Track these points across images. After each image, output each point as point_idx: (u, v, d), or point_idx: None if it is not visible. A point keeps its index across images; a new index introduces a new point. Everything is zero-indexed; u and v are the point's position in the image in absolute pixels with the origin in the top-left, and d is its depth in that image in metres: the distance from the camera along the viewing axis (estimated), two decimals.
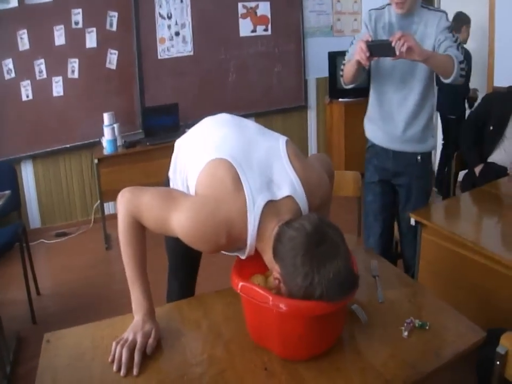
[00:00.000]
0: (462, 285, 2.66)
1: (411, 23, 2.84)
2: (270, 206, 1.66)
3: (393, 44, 2.49)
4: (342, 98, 6.28)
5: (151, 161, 5.03)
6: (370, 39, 2.64)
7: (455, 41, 2.74)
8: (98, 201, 5.30)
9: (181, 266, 2.43)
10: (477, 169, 4.01)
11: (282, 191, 1.70)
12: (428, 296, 2.00)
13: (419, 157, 3.05)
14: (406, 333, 1.69)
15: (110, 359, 1.60)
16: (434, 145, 3.15)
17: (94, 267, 4.66)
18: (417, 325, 1.73)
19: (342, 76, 3.01)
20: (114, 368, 1.56)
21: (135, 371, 1.55)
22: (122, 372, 1.54)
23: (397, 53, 2.50)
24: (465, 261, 2.63)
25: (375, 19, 2.95)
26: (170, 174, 2.11)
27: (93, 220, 5.68)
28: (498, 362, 1.70)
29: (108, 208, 5.54)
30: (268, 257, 1.65)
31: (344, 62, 3.00)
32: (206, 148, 1.83)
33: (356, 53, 2.66)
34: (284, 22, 6.22)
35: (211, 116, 2.09)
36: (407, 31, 2.71)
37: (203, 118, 2.09)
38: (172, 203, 1.68)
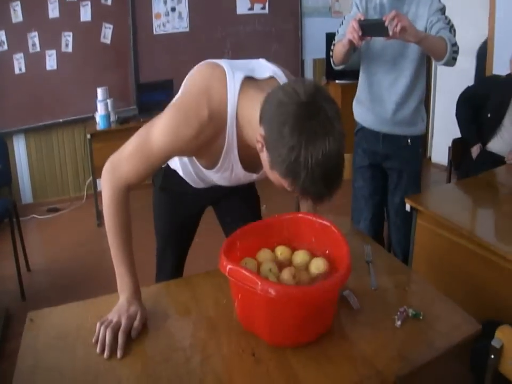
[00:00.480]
0: (456, 273, 2.64)
1: (403, 3, 2.81)
2: (251, 83, 1.61)
3: (386, 24, 2.45)
4: (339, 80, 6.20)
5: None
6: (362, 18, 2.59)
7: (448, 23, 2.71)
8: (91, 177, 5.25)
9: (171, 246, 2.37)
10: (474, 150, 3.95)
11: (263, 74, 1.67)
12: (423, 284, 1.94)
13: (409, 140, 3.02)
14: (399, 322, 1.65)
15: (93, 340, 1.55)
16: (423, 129, 3.12)
17: (86, 244, 4.64)
18: (410, 314, 1.68)
19: (332, 56, 2.96)
20: (98, 349, 1.52)
21: (118, 354, 1.50)
22: (105, 354, 1.50)
23: (390, 33, 2.46)
24: (459, 250, 2.61)
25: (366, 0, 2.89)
26: None
27: (85, 196, 5.63)
28: (492, 356, 1.67)
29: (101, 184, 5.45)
30: (253, 126, 1.53)
31: (334, 42, 2.94)
32: None
33: (347, 32, 2.61)
34: (281, 0, 6.14)
35: None
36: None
37: None
38: (147, 128, 1.64)
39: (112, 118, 5.05)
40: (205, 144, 1.62)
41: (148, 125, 1.65)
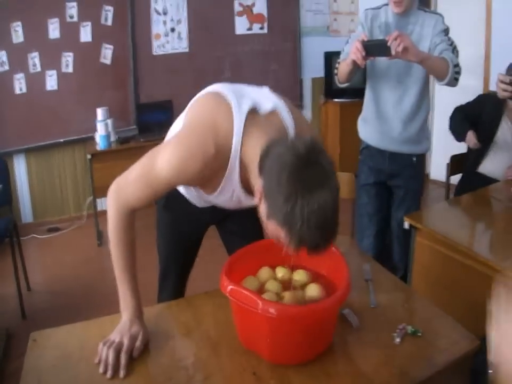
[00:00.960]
0: (455, 289, 2.64)
1: (407, 23, 2.84)
2: (255, 117, 1.64)
3: (389, 43, 2.49)
4: (338, 98, 6.21)
5: None
6: (366, 39, 2.63)
7: (451, 45, 2.75)
8: (92, 197, 5.24)
9: (173, 266, 2.38)
10: (470, 139, 3.74)
11: (266, 106, 1.69)
12: (421, 301, 1.97)
13: (414, 158, 3.05)
14: (398, 339, 1.66)
15: (96, 360, 1.57)
16: (428, 147, 3.16)
17: (86, 263, 4.63)
18: (409, 331, 1.70)
19: (336, 74, 3.00)
20: (101, 369, 1.53)
21: (121, 373, 1.52)
22: (108, 374, 1.51)
23: (393, 52, 2.50)
24: (458, 266, 2.61)
25: (371, 18, 2.94)
26: None
27: (86, 215, 5.63)
28: (491, 371, 1.68)
29: (101, 204, 5.46)
30: (253, 174, 1.60)
31: (339, 60, 2.99)
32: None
33: (351, 52, 2.65)
34: (280, 20, 6.17)
35: None
36: (404, 31, 2.71)
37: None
38: (152, 156, 1.65)
39: (112, 138, 5.06)
40: (207, 176, 1.66)
41: (154, 152, 1.67)
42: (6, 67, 4.92)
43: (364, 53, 2.58)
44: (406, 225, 2.89)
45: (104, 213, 5.31)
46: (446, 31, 2.79)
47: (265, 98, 1.73)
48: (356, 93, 6.02)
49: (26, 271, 4.05)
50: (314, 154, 1.37)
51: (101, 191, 4.95)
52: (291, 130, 1.70)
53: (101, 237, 5.06)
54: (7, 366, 3.14)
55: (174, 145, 1.63)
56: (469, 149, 3.90)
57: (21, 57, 4.97)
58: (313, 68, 6.45)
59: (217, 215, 2.21)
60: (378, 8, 2.96)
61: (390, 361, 1.57)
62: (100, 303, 3.80)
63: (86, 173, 5.42)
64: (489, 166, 3.79)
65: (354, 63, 2.68)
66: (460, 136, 3.85)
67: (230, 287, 1.50)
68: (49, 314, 3.74)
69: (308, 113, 6.62)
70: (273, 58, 6.22)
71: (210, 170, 1.63)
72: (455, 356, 1.62)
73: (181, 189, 2.05)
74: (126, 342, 1.60)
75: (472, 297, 2.53)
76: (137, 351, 1.60)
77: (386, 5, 2.89)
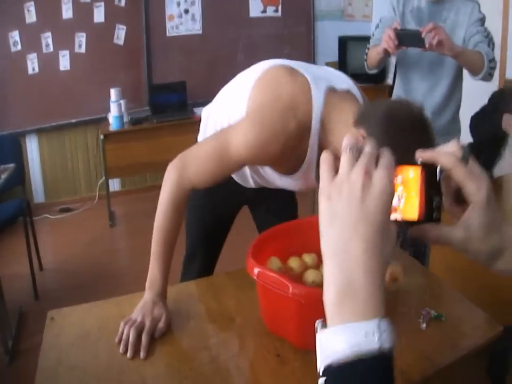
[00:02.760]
0: (475, 277, 2.60)
1: (442, 9, 2.75)
2: (333, 93, 1.59)
3: (423, 35, 2.44)
4: None
5: (157, 139, 4.98)
6: (399, 27, 2.58)
7: (487, 36, 2.67)
8: (103, 178, 5.25)
9: (202, 248, 2.34)
10: (508, 121, 3.37)
11: (341, 85, 1.64)
12: (443, 286, 1.93)
13: None
14: (424, 325, 1.63)
15: (117, 339, 1.54)
16: (459, 139, 3.07)
17: (98, 244, 4.64)
18: (433, 316, 1.67)
19: (366, 60, 2.95)
20: (121, 349, 1.51)
21: (142, 354, 1.49)
22: (129, 354, 1.49)
23: (427, 45, 2.45)
24: None
25: (404, 2, 2.85)
26: (200, 139, 2.05)
27: (97, 196, 5.61)
28: None
29: (113, 184, 5.52)
30: (336, 136, 1.55)
31: (368, 46, 2.94)
32: (248, 78, 1.76)
33: (383, 41, 2.60)
34: (294, 3, 6.10)
35: None
36: (437, 17, 2.64)
37: (211, 96, 2.03)
38: (225, 134, 1.61)
39: (125, 119, 5.04)
40: (287, 156, 1.61)
41: (225, 132, 1.64)
42: (19, 47, 4.90)
43: (396, 42, 2.54)
44: None
45: (116, 193, 5.40)
46: (482, 20, 2.71)
47: (340, 77, 1.69)
48: (371, 78, 5.97)
49: (39, 251, 4.04)
50: (427, 119, 1.35)
51: (113, 172, 5.01)
52: None
53: (113, 218, 5.08)
54: (20, 344, 3.15)
55: (252, 125, 1.57)
56: (480, 147, 3.73)
57: (34, 37, 4.95)
58: (327, 52, 6.38)
59: (256, 195, 2.17)
60: None
61: (414, 346, 1.54)
62: (112, 284, 3.84)
63: (98, 154, 5.41)
64: (508, 167, 3.65)
65: (385, 51, 2.63)
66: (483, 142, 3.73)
67: (257, 269, 1.47)
68: (61, 294, 3.75)
69: None
70: (287, 41, 6.16)
71: (290, 150, 1.58)
72: (478, 341, 1.60)
73: None
74: (148, 323, 1.56)
75: (492, 286, 2.51)
76: (158, 333, 1.57)
77: None
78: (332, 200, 0.69)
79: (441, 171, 0.81)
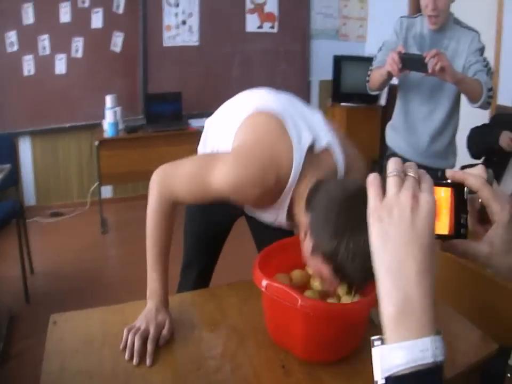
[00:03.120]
0: (471, 299, 2.63)
1: (443, 37, 2.81)
2: (311, 154, 1.63)
3: (426, 60, 2.48)
4: (345, 102, 6.20)
5: (152, 148, 4.97)
6: (403, 51, 2.62)
7: (485, 66, 2.72)
8: (96, 184, 5.23)
9: (201, 256, 2.35)
10: (505, 138, 3.36)
11: (321, 140, 1.67)
12: (439, 303, 1.95)
13: (439, 173, 3.01)
14: None
15: (121, 346, 1.54)
16: (454, 163, 3.13)
17: (89, 250, 4.61)
18: None
19: (368, 81, 2.99)
20: (126, 356, 1.51)
21: (148, 361, 1.49)
22: (135, 361, 1.49)
23: (429, 70, 2.49)
24: (474, 275, 2.60)
25: (406, 27, 2.91)
26: (200, 150, 2.07)
27: (89, 202, 5.58)
28: (509, 375, 1.67)
29: (105, 192, 5.49)
30: (299, 208, 1.61)
31: (371, 68, 2.99)
32: (241, 108, 1.80)
33: (387, 64, 2.64)
34: (290, 21, 6.15)
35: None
36: (439, 45, 2.69)
37: (206, 109, 2.06)
38: (209, 163, 1.63)
39: (120, 126, 5.04)
40: (259, 200, 1.67)
41: (209, 159, 1.68)
42: (15, 48, 4.88)
43: (400, 65, 2.58)
44: None
45: (108, 200, 5.36)
46: (481, 50, 2.77)
47: (321, 130, 1.71)
48: (363, 98, 6.06)
49: (30, 254, 4.01)
50: (364, 194, 1.35)
51: (107, 179, 4.98)
52: (341, 168, 1.70)
53: (105, 225, 5.05)
54: (11, 348, 3.11)
55: (234, 165, 1.59)
56: (486, 162, 3.75)
57: (31, 39, 4.93)
58: (321, 71, 6.43)
59: None
60: (414, 17, 2.94)
61: None
62: (103, 291, 3.81)
63: (90, 160, 5.40)
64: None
65: (389, 74, 2.68)
66: (477, 153, 3.75)
67: (265, 281, 1.48)
68: (52, 298, 3.71)
69: None
70: (282, 58, 6.20)
71: (264, 199, 1.65)
72: (475, 358, 1.62)
73: None
74: (152, 330, 1.57)
75: (487, 307, 2.53)
76: (163, 340, 1.58)
77: (422, 15, 2.85)
78: (383, 222, 0.75)
79: (468, 191, 0.87)
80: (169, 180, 1.68)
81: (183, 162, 1.69)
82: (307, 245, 1.45)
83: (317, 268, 1.44)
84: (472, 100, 2.70)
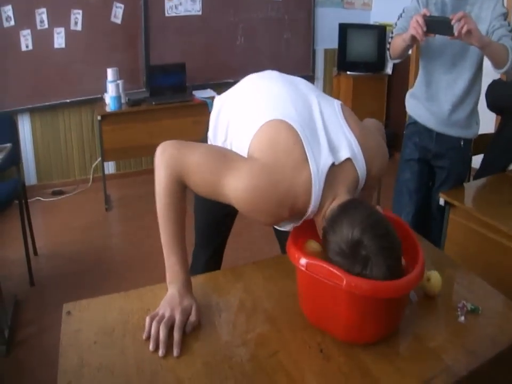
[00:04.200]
0: (490, 270, 2.55)
1: (465, 3, 2.71)
2: (331, 172, 1.52)
3: (452, 23, 2.37)
4: (351, 71, 6.11)
5: (156, 121, 4.85)
6: (428, 13, 2.50)
7: (510, 31, 2.62)
8: (98, 160, 5.14)
9: (212, 237, 2.28)
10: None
11: (341, 153, 1.57)
12: (474, 278, 1.86)
13: (462, 142, 2.96)
14: (462, 318, 1.59)
15: (144, 337, 1.43)
16: (477, 132, 3.04)
17: (94, 228, 4.52)
18: (469, 308, 1.62)
19: (388, 49, 2.88)
20: (151, 347, 1.39)
21: (175, 351, 1.37)
22: (161, 352, 1.37)
23: (455, 33, 2.38)
24: (495, 246, 2.55)
25: None
26: (210, 134, 1.93)
27: (91, 179, 5.48)
28: None
29: (108, 168, 5.39)
30: (319, 226, 1.54)
31: (391, 35, 2.88)
32: (259, 107, 1.67)
33: (411, 27, 2.52)
34: None
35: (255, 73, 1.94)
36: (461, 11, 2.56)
37: (210, 80, 1.93)
38: (225, 165, 1.51)
39: (123, 100, 4.90)
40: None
41: (225, 160, 1.55)
42: (12, 22, 4.70)
43: (424, 29, 2.46)
44: (441, 201, 2.87)
45: (111, 176, 5.28)
46: (505, 14, 2.67)
47: (342, 142, 1.60)
48: (369, 66, 5.99)
49: (33, 235, 3.91)
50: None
51: (110, 154, 4.87)
52: (363, 174, 1.61)
53: (109, 201, 4.96)
54: (17, 333, 3.03)
55: (250, 186, 1.48)
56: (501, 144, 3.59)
57: (28, 13, 4.76)
58: (326, 39, 6.33)
59: None
60: None
61: (455, 339, 1.49)
62: (108, 270, 3.75)
63: (92, 135, 5.31)
64: None
65: (412, 38, 2.56)
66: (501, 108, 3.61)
67: (305, 260, 1.38)
68: (57, 280, 3.63)
69: (319, 84, 6.51)
70: (286, 26, 6.05)
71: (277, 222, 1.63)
72: None
73: None
74: (178, 316, 1.45)
75: (505, 276, 2.45)
76: (190, 326, 1.46)
77: None
78: None
79: None
80: (179, 165, 1.55)
81: (193, 151, 1.56)
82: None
83: None
84: (498, 65, 2.60)
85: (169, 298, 1.52)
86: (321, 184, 1.50)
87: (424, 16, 2.47)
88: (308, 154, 1.51)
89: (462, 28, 2.36)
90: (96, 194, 5.10)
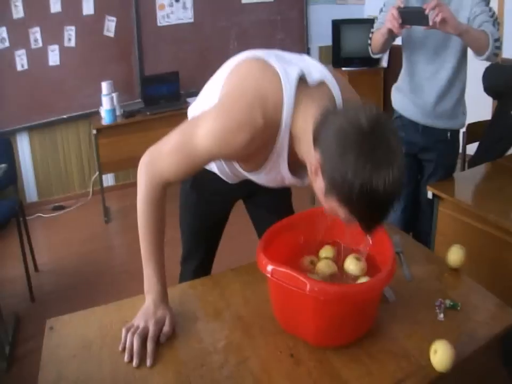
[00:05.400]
0: (480, 261, 2.56)
1: None
2: (304, 87, 1.50)
3: (426, 12, 2.38)
4: (346, 67, 6.14)
5: (151, 131, 4.86)
6: (402, 5, 2.51)
7: (491, 16, 2.60)
8: (97, 173, 5.17)
9: (199, 247, 2.27)
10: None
11: (314, 75, 1.54)
12: (455, 274, 1.86)
13: (449, 134, 2.95)
14: (441, 315, 1.59)
15: (120, 348, 1.47)
16: (464, 123, 3.03)
17: (93, 241, 4.56)
18: (448, 305, 1.62)
19: (370, 44, 2.90)
20: (126, 358, 1.43)
21: (148, 362, 1.41)
22: (134, 362, 1.41)
23: (430, 22, 2.39)
24: (484, 237, 2.54)
25: None
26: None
27: (91, 192, 5.52)
28: None
29: (107, 180, 5.45)
30: (305, 146, 1.48)
31: (372, 30, 2.89)
32: (227, 66, 1.67)
33: (386, 20, 2.55)
34: None
35: None
36: (442, 0, 2.57)
37: (204, 86, 1.94)
38: (192, 124, 1.53)
39: (118, 112, 4.94)
40: (253, 150, 1.51)
41: (192, 122, 1.56)
42: (7, 43, 4.75)
43: (400, 21, 2.48)
44: (430, 194, 2.86)
45: (110, 188, 5.34)
46: (486, 0, 2.65)
47: (311, 66, 1.59)
48: (364, 61, 6.00)
49: (33, 251, 3.95)
50: (380, 129, 1.25)
51: (107, 167, 4.93)
52: (339, 100, 1.56)
53: (107, 214, 5.00)
54: (17, 350, 3.08)
55: (217, 115, 1.48)
56: (497, 130, 3.56)
57: (22, 33, 4.81)
58: (320, 36, 6.35)
59: (247, 190, 2.08)
60: None
61: (432, 338, 1.46)
62: (110, 282, 3.77)
63: (90, 149, 5.33)
64: None
65: (390, 32, 2.58)
66: (498, 92, 3.61)
67: (271, 266, 1.40)
68: (58, 295, 3.67)
69: None
70: (279, 27, 6.08)
71: (257, 145, 1.49)
72: (496, 329, 1.56)
73: (212, 166, 1.89)
74: (151, 327, 1.49)
75: (500, 268, 2.46)
76: (164, 337, 1.50)
77: None
78: None
79: None
80: (156, 162, 1.56)
81: (168, 137, 1.57)
82: (319, 184, 1.35)
83: (332, 208, 1.35)
84: (478, 52, 2.58)
85: (144, 310, 1.55)
86: (291, 81, 1.47)
87: (399, 8, 2.48)
88: (274, 65, 1.50)
89: (436, 16, 2.35)
90: (96, 207, 5.14)
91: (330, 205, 1.34)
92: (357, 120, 1.25)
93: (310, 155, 1.40)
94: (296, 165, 1.60)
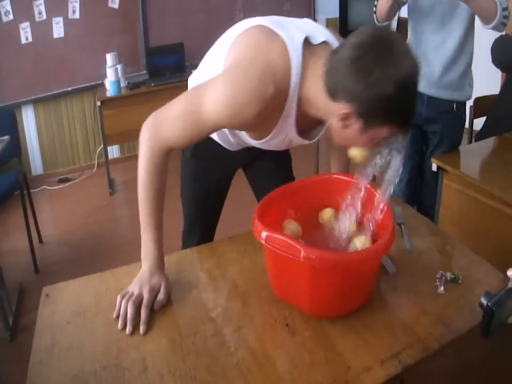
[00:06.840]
0: (484, 234, 2.55)
1: None
2: (310, 49, 1.49)
3: None
4: None
5: (156, 102, 4.66)
6: None
7: None
8: (102, 146, 5.17)
9: (201, 217, 2.25)
10: None
11: (318, 37, 1.53)
12: (457, 246, 1.83)
13: (454, 105, 2.90)
14: (441, 288, 1.56)
15: (114, 315, 1.46)
16: (470, 95, 2.98)
17: (98, 213, 4.57)
18: (449, 278, 1.59)
19: (375, 12, 2.82)
20: (119, 325, 1.42)
21: (141, 329, 1.40)
22: (127, 330, 1.40)
23: None
24: (489, 210, 2.52)
25: None
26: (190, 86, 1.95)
27: (96, 165, 5.52)
28: None
29: (112, 152, 5.46)
30: (316, 105, 1.49)
31: None
32: (231, 33, 1.64)
33: None
34: None
35: None
36: None
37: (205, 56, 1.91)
38: (199, 91, 1.49)
39: (123, 84, 4.93)
40: (262, 119, 1.49)
41: (199, 90, 1.51)
42: (11, 16, 4.72)
43: None
44: (434, 167, 2.83)
45: (115, 161, 5.33)
46: None
47: (314, 29, 1.57)
48: None
49: (37, 223, 3.97)
50: (382, 33, 1.32)
51: (112, 139, 4.92)
52: None
53: (112, 186, 5.02)
54: (20, 321, 3.10)
55: (226, 84, 1.45)
56: (505, 104, 3.45)
57: (26, 6, 4.77)
58: (327, 8, 6.28)
59: (247, 157, 2.08)
60: None
61: (431, 310, 1.47)
62: (114, 253, 3.79)
63: (95, 122, 5.32)
64: None
65: None
66: (506, 65, 3.50)
67: (265, 233, 1.36)
68: (62, 266, 3.69)
69: None
70: None
71: (266, 114, 1.47)
72: None
73: (213, 134, 1.85)
74: (146, 294, 1.48)
75: (503, 242, 2.43)
76: (158, 304, 1.49)
77: None
78: None
79: None
80: (160, 127, 1.53)
81: (173, 103, 1.54)
82: (352, 129, 1.39)
83: (370, 141, 1.43)
84: (486, 20, 2.53)
85: (139, 276, 1.54)
86: (298, 54, 1.46)
87: None
88: (278, 32, 1.48)
89: None
90: (101, 179, 5.14)
91: (370, 137, 1.41)
92: (359, 40, 1.30)
93: (328, 110, 1.42)
94: (303, 125, 1.60)
